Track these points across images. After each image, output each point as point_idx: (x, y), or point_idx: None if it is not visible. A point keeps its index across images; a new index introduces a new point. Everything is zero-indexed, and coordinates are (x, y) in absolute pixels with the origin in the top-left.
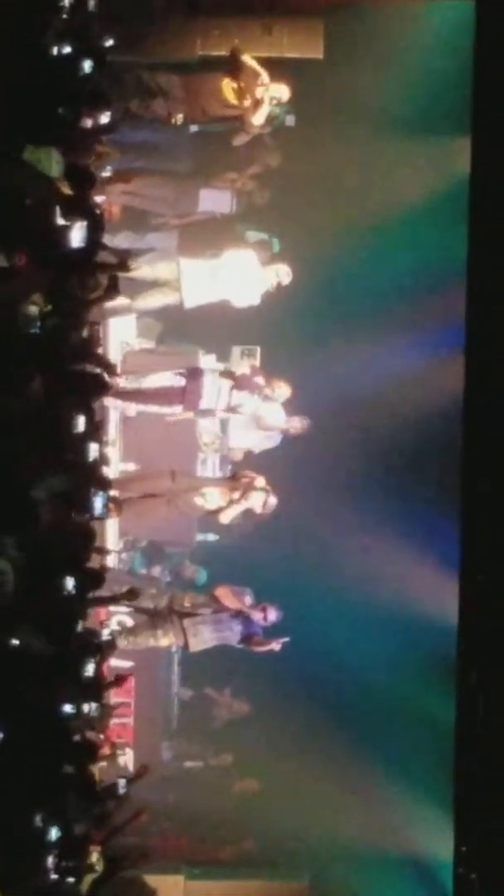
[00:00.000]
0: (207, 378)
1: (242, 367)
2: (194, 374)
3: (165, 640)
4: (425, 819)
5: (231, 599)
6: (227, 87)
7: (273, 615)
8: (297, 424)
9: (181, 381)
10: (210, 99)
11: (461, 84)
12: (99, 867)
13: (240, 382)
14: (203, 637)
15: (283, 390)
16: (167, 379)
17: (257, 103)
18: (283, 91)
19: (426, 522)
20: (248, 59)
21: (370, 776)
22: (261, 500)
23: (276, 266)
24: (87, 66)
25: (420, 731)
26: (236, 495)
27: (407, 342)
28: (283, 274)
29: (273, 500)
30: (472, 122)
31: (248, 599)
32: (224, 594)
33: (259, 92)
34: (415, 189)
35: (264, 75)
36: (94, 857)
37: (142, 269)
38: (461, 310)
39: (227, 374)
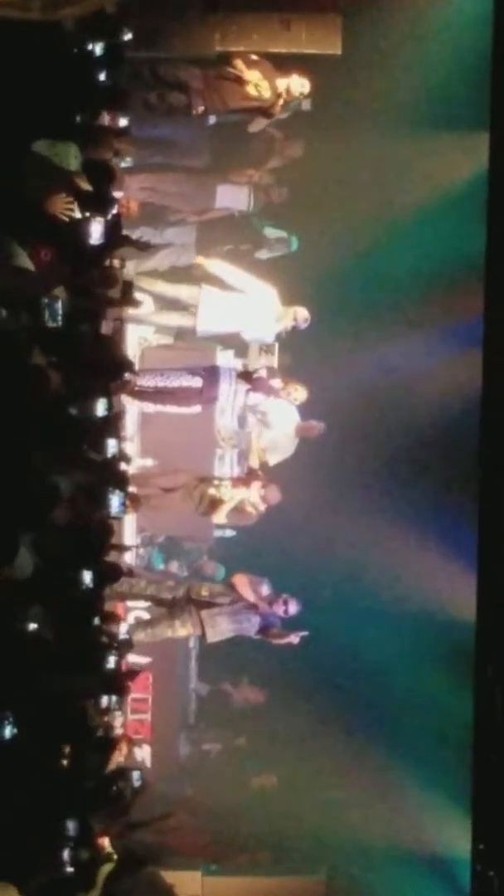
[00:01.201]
0: (224, 379)
1: (260, 369)
2: (211, 373)
3: (183, 630)
4: (443, 815)
5: (247, 589)
6: (247, 82)
7: (294, 608)
8: (312, 428)
9: (198, 382)
10: (231, 91)
11: (480, 79)
12: (113, 859)
13: (256, 385)
14: (221, 628)
15: (299, 393)
16: (184, 379)
17: (279, 95)
18: (304, 85)
19: (444, 516)
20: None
21: (388, 772)
22: (265, 495)
23: (294, 308)
24: (105, 61)
25: (438, 725)
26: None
27: (424, 338)
28: (300, 317)
29: (274, 492)
30: (490, 117)
31: (266, 589)
32: (241, 582)
33: (281, 84)
34: (433, 184)
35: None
36: (108, 847)
37: (163, 287)
38: (479, 305)
39: (245, 375)
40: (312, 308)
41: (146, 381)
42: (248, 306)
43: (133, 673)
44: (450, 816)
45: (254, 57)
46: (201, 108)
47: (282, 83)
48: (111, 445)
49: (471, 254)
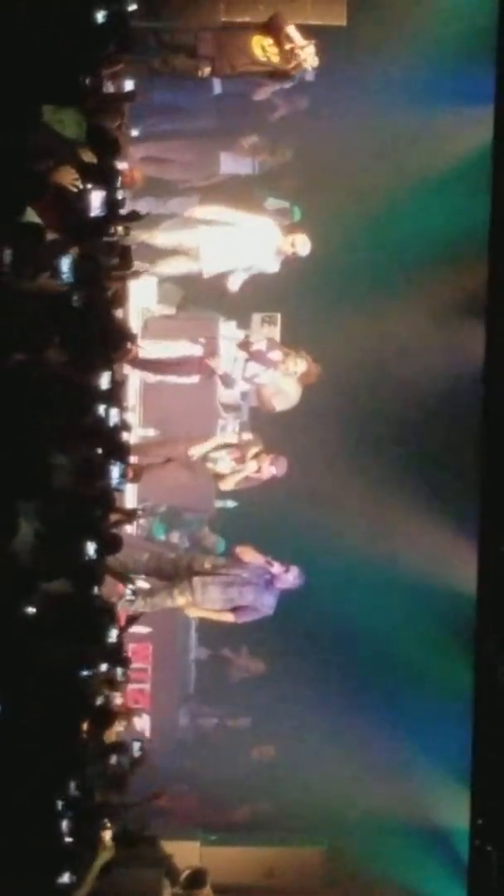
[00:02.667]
0: (224, 347)
1: (259, 340)
2: (211, 344)
3: (181, 598)
4: (443, 789)
5: (253, 554)
6: (258, 43)
7: (295, 573)
8: (311, 375)
9: (199, 351)
10: (239, 54)
11: (484, 51)
12: (107, 851)
13: (254, 356)
14: (210, 596)
15: (299, 366)
16: (185, 348)
17: (289, 60)
18: (315, 58)
19: (446, 488)
20: (290, 29)
21: (387, 744)
22: (270, 466)
23: (294, 235)
24: (111, 28)
25: (438, 698)
26: (246, 457)
27: (427, 310)
28: (300, 243)
29: (283, 463)
30: (495, 90)
31: (275, 566)
32: (245, 551)
33: (292, 52)
34: (437, 157)
35: (298, 40)
36: (107, 837)
37: (163, 237)
38: (482, 278)
39: (244, 345)
40: (315, 279)
41: (147, 350)
42: (248, 239)
43: (133, 619)
44: (449, 790)
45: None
46: (207, 70)
47: (295, 50)
48: (113, 415)
49: (474, 227)
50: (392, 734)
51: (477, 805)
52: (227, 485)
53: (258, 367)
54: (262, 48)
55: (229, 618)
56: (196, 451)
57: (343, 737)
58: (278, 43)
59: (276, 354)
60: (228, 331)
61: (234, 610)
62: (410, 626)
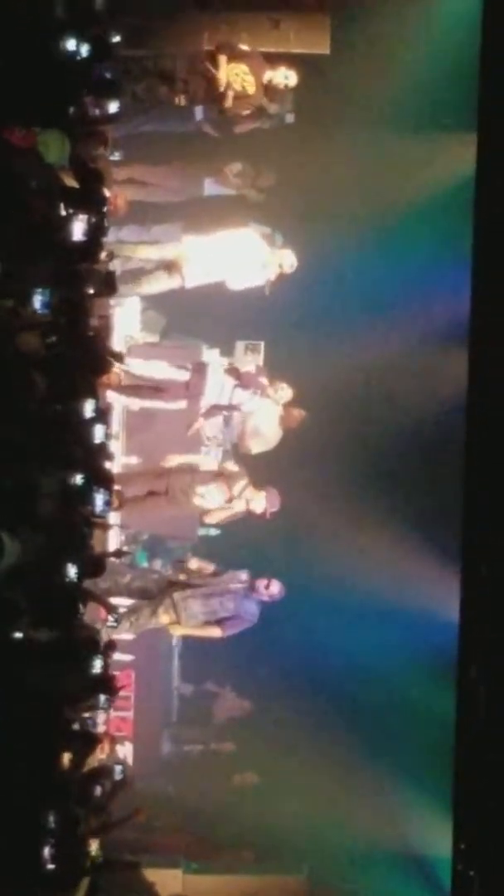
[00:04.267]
0: (211, 373)
1: (247, 365)
2: (199, 368)
3: (166, 616)
4: (425, 815)
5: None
6: (232, 71)
7: (275, 588)
8: (294, 416)
9: (185, 376)
10: (213, 83)
11: (467, 80)
12: (98, 859)
13: (244, 380)
14: (192, 611)
15: (285, 392)
16: (171, 373)
17: (266, 89)
18: (290, 75)
19: (428, 516)
20: (247, 48)
21: (370, 771)
22: (262, 501)
23: (281, 252)
24: (93, 57)
25: (421, 726)
26: (234, 491)
27: (410, 337)
28: (287, 260)
29: (275, 497)
30: (478, 119)
31: (245, 576)
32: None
33: (266, 76)
34: (420, 185)
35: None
36: (94, 848)
37: (146, 250)
38: (465, 305)
39: (232, 371)
40: (298, 307)
41: (132, 378)
42: (233, 254)
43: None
44: (431, 816)
45: (244, 47)
46: (183, 98)
47: (267, 76)
48: (97, 437)
49: (458, 253)
50: (374, 761)
51: (459, 830)
52: (213, 519)
53: (245, 395)
54: (237, 75)
55: (216, 632)
56: (176, 461)
57: (325, 764)
58: (252, 72)
59: (263, 380)
60: (213, 359)
61: (219, 623)
62: (392, 654)
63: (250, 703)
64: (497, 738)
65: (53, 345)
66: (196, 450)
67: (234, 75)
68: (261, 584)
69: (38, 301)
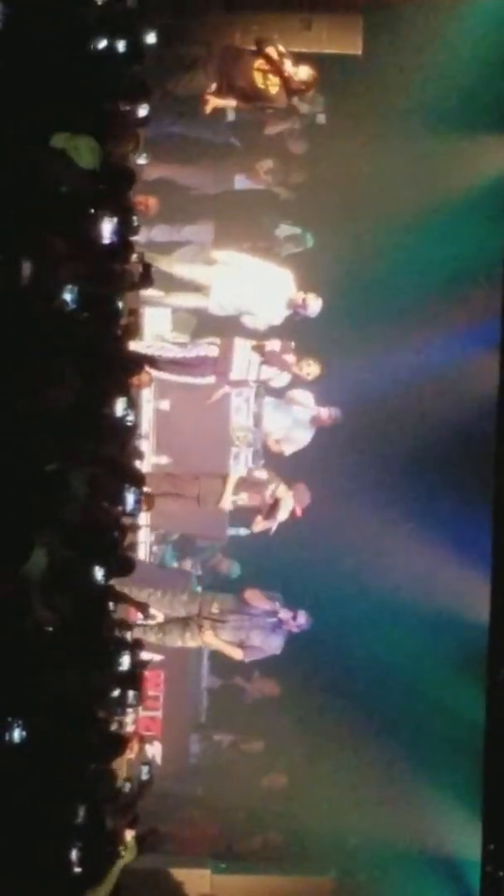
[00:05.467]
0: (238, 349)
1: (273, 342)
2: (226, 345)
3: (193, 642)
4: (453, 816)
5: (260, 601)
6: (258, 70)
7: (303, 619)
8: (326, 414)
9: (214, 351)
10: (240, 79)
11: (500, 81)
12: (129, 852)
13: (269, 358)
14: (218, 642)
15: (312, 368)
16: (200, 349)
17: (287, 88)
18: (309, 73)
19: (458, 518)
20: (272, 50)
21: (398, 772)
22: (290, 505)
23: (305, 294)
24: (127, 58)
25: (450, 727)
26: (266, 496)
27: (442, 339)
28: (311, 301)
29: (303, 493)
30: None
31: (278, 604)
32: (253, 596)
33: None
34: (452, 185)
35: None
36: (128, 839)
37: (179, 268)
38: (497, 307)
39: (258, 348)
40: (329, 307)
41: (162, 355)
42: (261, 287)
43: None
44: (460, 817)
45: (281, 48)
46: (213, 87)
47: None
48: (127, 441)
49: (490, 255)
50: (403, 762)
51: (488, 831)
52: (258, 528)
53: (272, 371)
54: (263, 76)
55: (238, 654)
56: (225, 503)
57: (354, 766)
58: (277, 72)
59: (289, 357)
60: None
61: (243, 647)
62: (422, 656)
63: (277, 685)
64: None
65: (84, 343)
66: (226, 450)
67: (260, 76)
68: (288, 615)
69: (68, 299)
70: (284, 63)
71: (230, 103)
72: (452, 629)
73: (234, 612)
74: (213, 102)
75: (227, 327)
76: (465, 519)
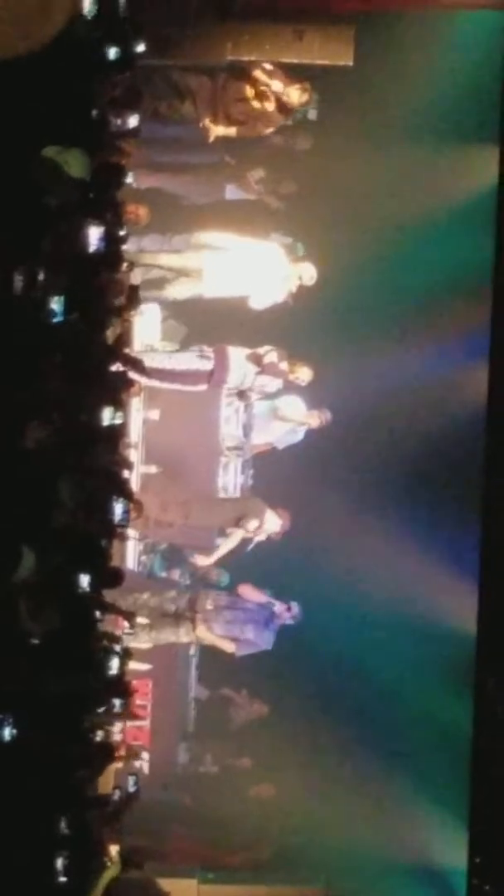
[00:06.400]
0: (234, 358)
1: (269, 351)
2: (221, 353)
3: (187, 637)
4: (440, 828)
5: (254, 595)
6: (251, 96)
7: (296, 610)
8: (317, 418)
9: (208, 365)
10: (235, 102)
11: (490, 94)
12: (114, 867)
13: (266, 369)
14: (211, 636)
15: (305, 373)
16: (194, 362)
17: (282, 107)
18: (304, 96)
19: (447, 528)
20: (260, 73)
21: (386, 784)
22: (275, 523)
23: (301, 265)
24: (117, 68)
25: (437, 738)
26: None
27: (431, 350)
28: (307, 274)
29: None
30: (500, 132)
31: (266, 601)
32: (246, 590)
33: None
34: (441, 197)
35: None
36: (113, 853)
37: (167, 258)
38: (486, 319)
39: (254, 357)
40: (318, 317)
41: (154, 363)
42: (253, 266)
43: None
44: (447, 829)
45: (268, 66)
46: (208, 130)
47: (286, 93)
48: (115, 451)
49: (479, 266)
50: (391, 773)
51: (475, 843)
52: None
53: (267, 379)
54: (258, 100)
55: (230, 647)
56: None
57: (342, 776)
58: (268, 96)
59: (284, 365)
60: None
61: (235, 641)
62: (411, 667)
63: (266, 706)
64: None
65: (72, 354)
66: (215, 460)
67: (252, 98)
68: (282, 608)
69: (56, 309)
70: (273, 85)
71: (230, 132)
72: (440, 640)
73: (229, 608)
74: (215, 132)
75: (217, 334)
76: (453, 527)
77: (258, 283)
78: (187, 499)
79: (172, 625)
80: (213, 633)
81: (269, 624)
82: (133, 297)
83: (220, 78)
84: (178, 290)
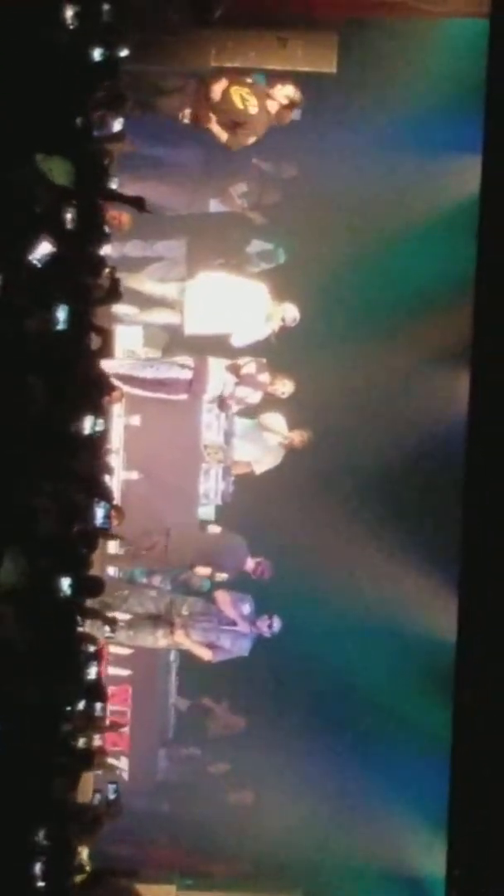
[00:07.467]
0: (213, 368)
1: (248, 362)
2: (200, 365)
3: (164, 641)
4: (420, 838)
5: (228, 607)
6: (236, 93)
7: (277, 625)
8: (298, 436)
9: (188, 374)
10: (219, 102)
11: (473, 102)
12: (87, 868)
13: (244, 380)
14: (189, 642)
15: (287, 387)
16: (174, 371)
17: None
18: (290, 91)
19: (426, 537)
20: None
21: (365, 792)
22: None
23: (283, 306)
24: (101, 73)
25: (417, 747)
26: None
27: (412, 359)
28: (289, 315)
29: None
30: (483, 140)
31: (248, 608)
32: (223, 600)
33: (271, 104)
34: (423, 206)
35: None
36: (84, 856)
37: (150, 285)
38: (467, 328)
39: (233, 368)
40: (300, 326)
41: (136, 372)
42: (236, 304)
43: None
44: (426, 840)
45: (248, 80)
46: (188, 112)
47: (271, 103)
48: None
49: (461, 276)
50: (370, 782)
51: (453, 856)
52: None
53: (248, 390)
54: (241, 98)
55: (207, 655)
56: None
57: (321, 785)
58: (255, 95)
59: (264, 377)
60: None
61: (212, 647)
62: (390, 675)
63: (244, 720)
64: (493, 762)
65: (55, 359)
66: (196, 466)
67: (239, 98)
68: (263, 623)
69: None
70: (248, 108)
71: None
72: (420, 649)
73: (204, 615)
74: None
75: (199, 344)
76: (433, 536)
77: (240, 322)
78: (168, 528)
79: (150, 626)
80: (189, 639)
81: (247, 634)
82: (114, 290)
83: (209, 81)
84: (154, 316)
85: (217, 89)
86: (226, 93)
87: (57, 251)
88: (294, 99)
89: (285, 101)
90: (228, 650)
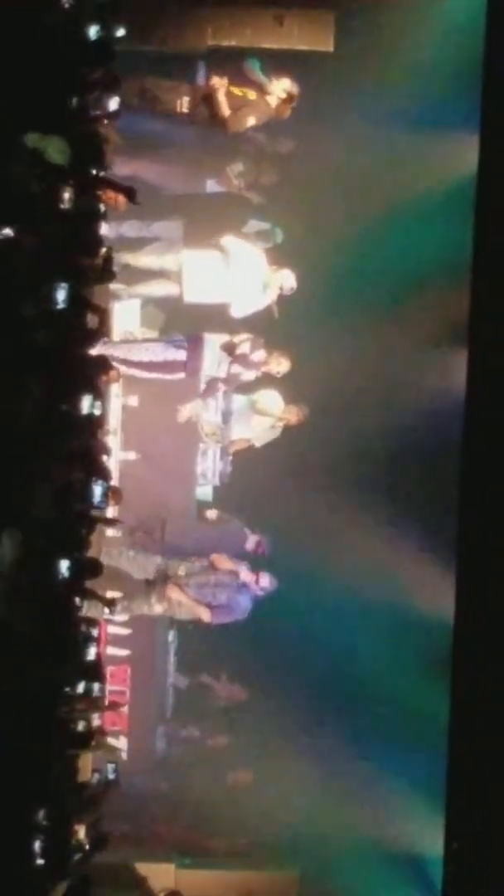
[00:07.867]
0: (208, 346)
1: (243, 341)
2: (195, 344)
3: (159, 606)
4: (417, 814)
5: (228, 563)
6: (236, 90)
7: (265, 581)
8: (294, 414)
9: (182, 355)
10: (216, 91)
11: (471, 80)
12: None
13: (238, 359)
14: (185, 601)
15: (283, 365)
16: (169, 352)
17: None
18: (288, 84)
19: (424, 518)
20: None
21: (363, 770)
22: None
23: (281, 273)
24: (98, 52)
25: (415, 726)
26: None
27: (409, 338)
28: (287, 283)
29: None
30: (480, 119)
31: (241, 570)
32: (219, 559)
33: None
34: (421, 185)
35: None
36: (81, 834)
37: (147, 259)
38: (465, 307)
39: (228, 346)
40: (296, 306)
41: (132, 356)
42: (234, 273)
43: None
44: (424, 815)
45: (236, 91)
46: (186, 101)
47: (270, 98)
48: (94, 437)
49: (457, 255)
50: (368, 760)
51: (451, 831)
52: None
53: (241, 368)
54: (241, 90)
55: (206, 615)
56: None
57: (319, 763)
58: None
59: (259, 355)
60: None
61: (209, 607)
62: (388, 655)
63: (245, 690)
64: (490, 740)
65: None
66: (194, 447)
67: (237, 91)
68: (251, 578)
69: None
70: (247, 96)
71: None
72: (419, 629)
73: (201, 573)
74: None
75: (195, 322)
76: (431, 519)
77: (238, 289)
78: (164, 518)
79: (145, 593)
80: (185, 595)
81: (243, 590)
82: (107, 269)
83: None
84: (153, 288)
85: (217, 89)
86: (226, 93)
87: (53, 230)
88: (291, 92)
89: (283, 95)
90: (228, 607)
